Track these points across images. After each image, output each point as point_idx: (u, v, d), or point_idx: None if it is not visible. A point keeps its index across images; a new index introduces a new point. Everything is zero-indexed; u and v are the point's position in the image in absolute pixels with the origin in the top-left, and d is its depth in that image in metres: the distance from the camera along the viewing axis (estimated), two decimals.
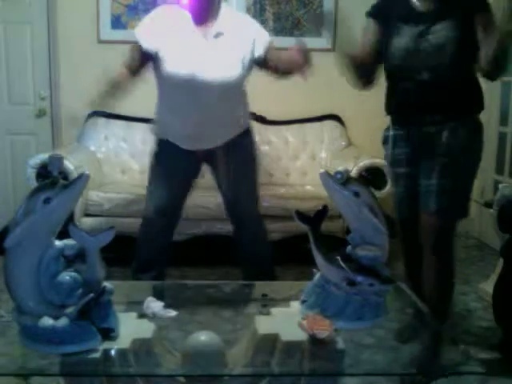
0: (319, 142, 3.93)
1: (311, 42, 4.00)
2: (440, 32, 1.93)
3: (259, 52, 2.24)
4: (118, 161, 3.80)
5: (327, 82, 3.99)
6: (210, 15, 2.18)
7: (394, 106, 2.16)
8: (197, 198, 2.99)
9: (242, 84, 2.28)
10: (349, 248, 1.43)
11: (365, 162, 3.35)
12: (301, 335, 1.31)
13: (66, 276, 1.26)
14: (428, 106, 1.99)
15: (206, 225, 3.29)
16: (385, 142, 2.22)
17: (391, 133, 2.16)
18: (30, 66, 3.87)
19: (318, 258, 1.41)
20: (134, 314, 1.44)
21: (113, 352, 1.26)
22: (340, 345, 1.30)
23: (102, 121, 3.85)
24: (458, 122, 1.98)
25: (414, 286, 2.01)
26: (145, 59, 2.23)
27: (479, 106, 2.03)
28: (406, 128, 2.08)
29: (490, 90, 3.50)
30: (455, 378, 1.43)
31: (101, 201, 3.30)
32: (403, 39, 1.99)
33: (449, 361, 1.35)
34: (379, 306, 1.41)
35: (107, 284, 1.30)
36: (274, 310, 1.51)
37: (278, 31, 3.86)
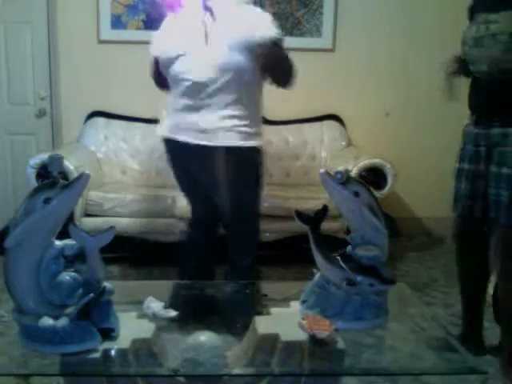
0: (319, 142, 3.93)
1: (311, 42, 4.04)
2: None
3: (263, 38, 2.12)
4: (118, 161, 3.80)
5: (327, 82, 4.00)
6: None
7: (475, 102, 2.11)
8: None
9: (247, 75, 2.17)
10: (349, 248, 1.43)
11: (365, 162, 3.35)
12: (301, 335, 1.31)
13: (66, 276, 1.26)
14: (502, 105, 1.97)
15: None
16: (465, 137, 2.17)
17: (472, 130, 2.12)
18: (30, 66, 3.87)
19: (318, 258, 1.41)
20: (133, 314, 1.44)
21: (113, 352, 1.26)
22: (340, 345, 1.30)
23: (101, 121, 3.86)
24: None
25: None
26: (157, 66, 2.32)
27: None
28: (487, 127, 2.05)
29: None
30: (455, 378, 1.43)
31: (101, 201, 3.30)
32: (474, 27, 1.97)
33: (448, 360, 1.35)
34: (379, 306, 1.41)
35: (107, 284, 1.30)
36: (274, 310, 1.50)
37: None
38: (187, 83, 2.18)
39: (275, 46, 2.14)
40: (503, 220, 1.97)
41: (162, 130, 2.33)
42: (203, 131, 2.18)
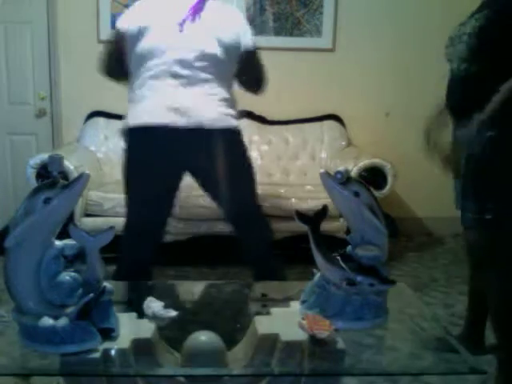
0: (319, 142, 3.93)
1: (311, 42, 4.04)
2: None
3: (246, 45, 2.16)
4: (118, 161, 3.79)
5: (327, 82, 4.00)
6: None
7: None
8: (196, 198, 3.00)
9: (225, 67, 2.14)
10: (349, 248, 1.43)
11: (365, 162, 3.35)
12: (301, 335, 1.31)
13: (66, 276, 1.26)
14: None
15: (206, 225, 3.28)
16: None
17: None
18: (30, 66, 3.87)
19: (318, 258, 1.41)
20: (134, 314, 1.44)
21: (113, 352, 1.26)
22: (340, 345, 1.30)
23: (101, 121, 3.86)
24: None
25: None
26: (120, 47, 2.15)
27: None
28: None
29: None
30: (455, 378, 1.43)
31: (101, 201, 3.30)
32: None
33: (448, 360, 1.35)
34: (379, 306, 1.41)
35: (107, 284, 1.30)
36: (274, 310, 1.51)
37: (277, 31, 3.86)
38: (165, 60, 2.05)
39: (253, 55, 2.20)
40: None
41: (134, 118, 2.10)
42: (183, 111, 2.04)
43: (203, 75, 2.09)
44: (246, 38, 2.17)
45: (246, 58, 2.18)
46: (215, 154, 2.08)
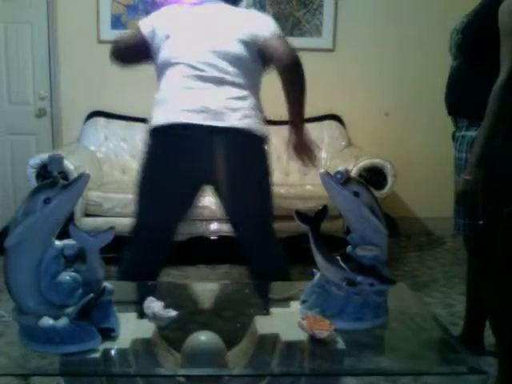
0: (319, 142, 3.92)
1: (311, 42, 4.04)
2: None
3: (264, 35, 2.06)
4: (117, 161, 3.80)
5: (327, 82, 4.00)
6: None
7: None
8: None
9: (251, 69, 2.08)
10: (349, 248, 1.43)
11: (365, 162, 3.35)
12: (301, 335, 1.31)
13: (66, 276, 1.26)
14: None
15: (206, 225, 3.28)
16: None
17: None
18: (30, 66, 3.87)
19: (318, 258, 1.41)
20: (133, 314, 1.44)
21: (113, 352, 1.26)
22: (340, 345, 1.30)
23: (102, 121, 3.86)
24: None
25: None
26: (140, 45, 2.13)
27: None
28: None
29: None
30: (455, 378, 1.43)
31: (101, 201, 3.30)
32: None
33: (448, 360, 1.35)
34: (379, 306, 1.41)
35: (107, 284, 1.30)
36: (274, 310, 1.51)
37: None
38: (191, 62, 2.01)
39: (274, 41, 2.05)
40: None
41: (160, 117, 2.03)
42: (215, 112, 1.97)
43: (230, 77, 2.03)
44: (264, 30, 2.07)
45: (268, 46, 2.04)
46: (238, 161, 2.00)
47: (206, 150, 1.97)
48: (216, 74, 2.02)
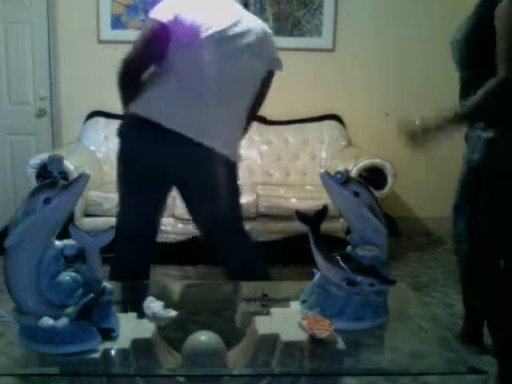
0: (319, 142, 3.93)
1: (311, 42, 4.04)
2: None
3: (273, 67, 2.16)
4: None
5: (327, 82, 4.00)
6: None
7: None
8: None
9: (248, 90, 2.12)
10: (349, 248, 1.43)
11: (365, 161, 3.35)
12: (301, 335, 1.31)
13: (66, 276, 1.26)
14: None
15: None
16: None
17: None
18: (30, 66, 3.87)
19: (318, 258, 1.41)
20: (133, 314, 1.44)
21: (113, 352, 1.26)
22: (340, 345, 1.30)
23: (102, 121, 3.86)
24: None
25: None
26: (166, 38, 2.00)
27: None
28: None
29: None
30: (455, 378, 1.43)
31: (101, 201, 3.30)
32: None
33: (448, 360, 1.35)
34: (379, 306, 1.41)
35: (107, 284, 1.30)
36: (274, 310, 1.50)
37: (277, 31, 3.85)
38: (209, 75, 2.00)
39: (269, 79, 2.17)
40: None
41: (148, 110, 2.01)
42: (203, 129, 2.00)
43: (226, 97, 2.04)
44: (270, 59, 2.14)
45: (264, 80, 2.14)
46: (209, 175, 2.04)
47: (179, 154, 1.99)
48: (214, 89, 2.01)
